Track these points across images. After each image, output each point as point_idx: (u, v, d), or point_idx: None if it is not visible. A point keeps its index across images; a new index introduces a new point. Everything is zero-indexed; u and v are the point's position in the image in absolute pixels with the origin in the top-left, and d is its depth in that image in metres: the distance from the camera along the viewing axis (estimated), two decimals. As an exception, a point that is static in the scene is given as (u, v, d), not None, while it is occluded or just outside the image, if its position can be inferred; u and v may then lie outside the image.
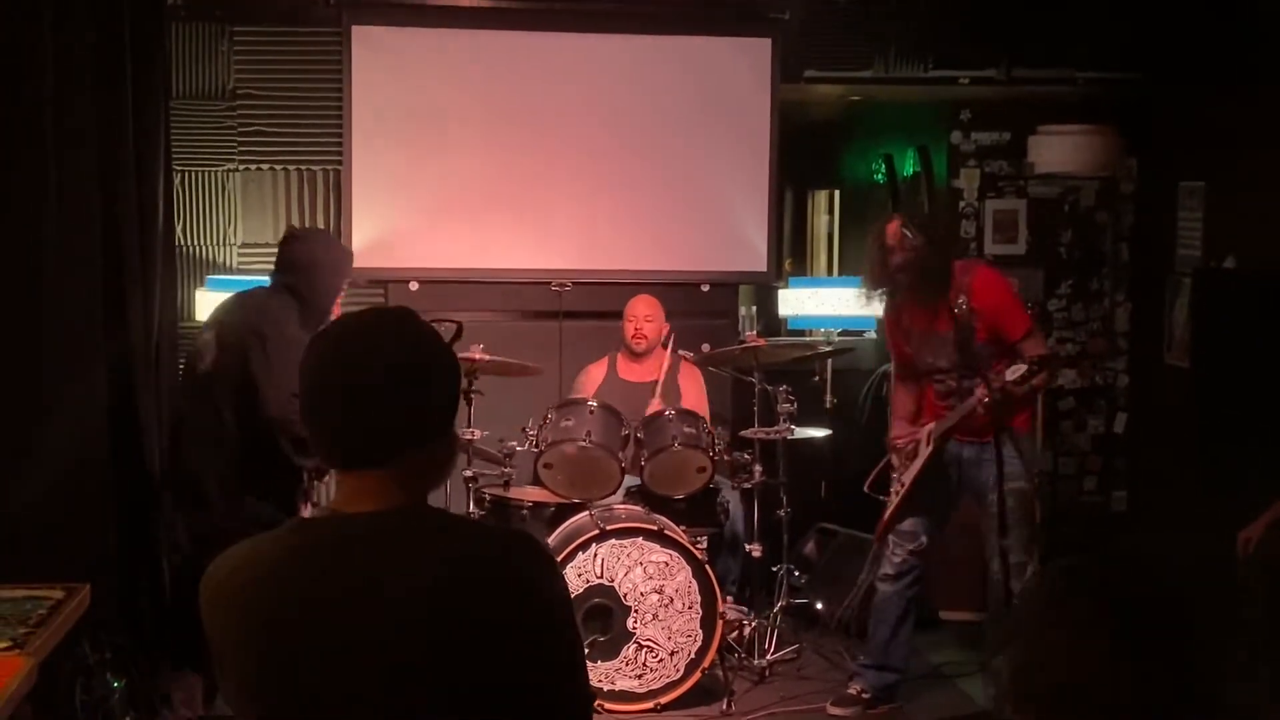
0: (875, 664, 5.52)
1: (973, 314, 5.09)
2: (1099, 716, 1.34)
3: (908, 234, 5.17)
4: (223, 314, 5.13)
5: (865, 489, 5.72)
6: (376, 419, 1.99)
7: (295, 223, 6.81)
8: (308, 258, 5.13)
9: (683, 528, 5.62)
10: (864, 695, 5.48)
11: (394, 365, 2.01)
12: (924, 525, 5.43)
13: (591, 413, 5.74)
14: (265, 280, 5.29)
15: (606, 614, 5.43)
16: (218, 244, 6.85)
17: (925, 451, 5.34)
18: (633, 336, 6.37)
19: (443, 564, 1.97)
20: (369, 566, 1.95)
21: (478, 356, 5.56)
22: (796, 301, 7.32)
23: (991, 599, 5.31)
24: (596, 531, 5.42)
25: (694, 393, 6.45)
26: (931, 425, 5.34)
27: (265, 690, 1.98)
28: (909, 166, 7.79)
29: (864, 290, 5.45)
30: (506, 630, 1.95)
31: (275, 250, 5.34)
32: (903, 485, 5.42)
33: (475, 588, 1.95)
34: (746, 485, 6.00)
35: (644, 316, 6.39)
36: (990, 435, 5.05)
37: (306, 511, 5.09)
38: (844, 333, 7.36)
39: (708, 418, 6.10)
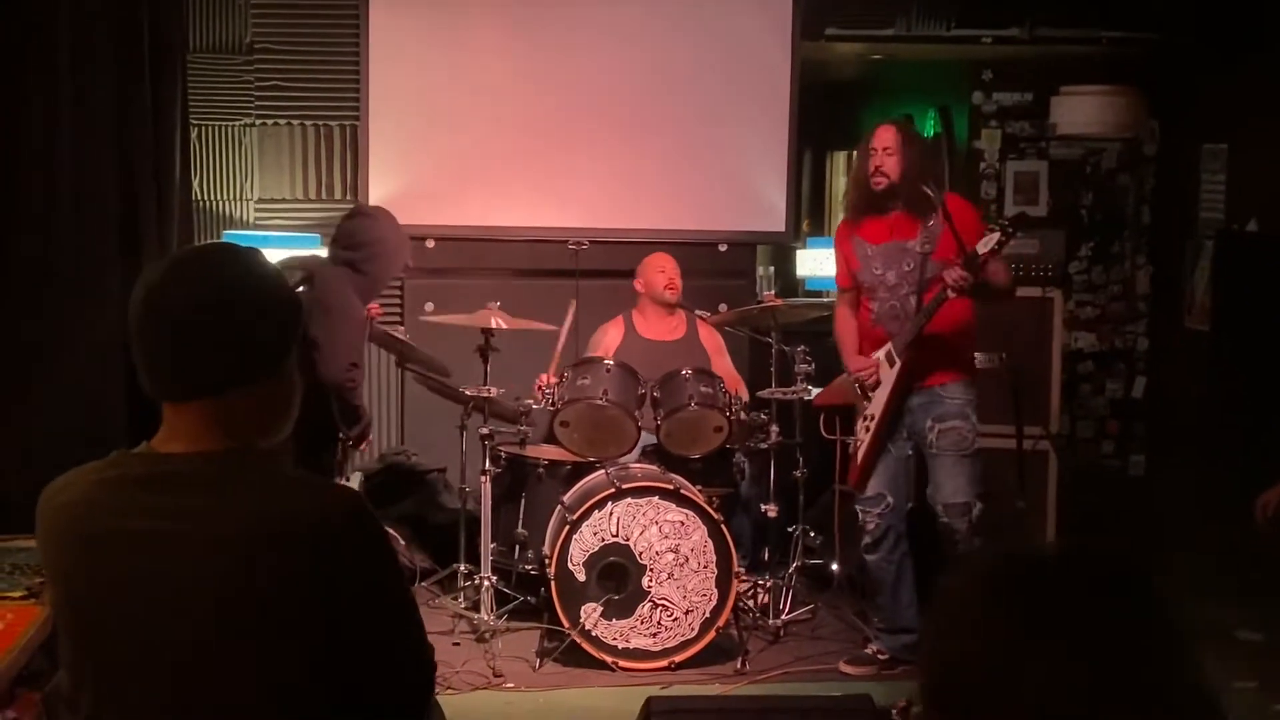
0: (888, 628, 5.52)
1: (938, 228, 5.14)
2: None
3: (903, 135, 5.23)
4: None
5: (823, 433, 5.77)
6: (192, 349, 1.96)
7: (313, 178, 6.81)
8: (375, 235, 5.20)
9: (698, 487, 5.60)
10: (880, 655, 5.48)
11: (213, 296, 1.98)
12: (886, 484, 5.38)
13: (608, 371, 5.72)
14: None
15: (622, 572, 5.43)
16: (235, 199, 6.83)
17: (892, 373, 5.26)
18: (666, 287, 6.32)
19: (249, 515, 1.94)
20: (173, 507, 1.94)
21: (495, 322, 5.55)
22: (814, 262, 7.29)
23: (945, 547, 5.30)
24: (612, 490, 5.42)
25: (719, 353, 6.43)
26: (889, 346, 5.27)
27: (71, 612, 2.00)
28: (930, 127, 7.73)
29: (854, 215, 5.39)
30: (322, 587, 1.92)
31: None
32: (873, 418, 5.35)
33: (282, 541, 1.92)
34: (763, 446, 5.98)
35: (674, 269, 6.36)
36: (932, 380, 5.19)
37: (341, 478, 5.18)
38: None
39: (733, 377, 6.11)
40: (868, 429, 5.38)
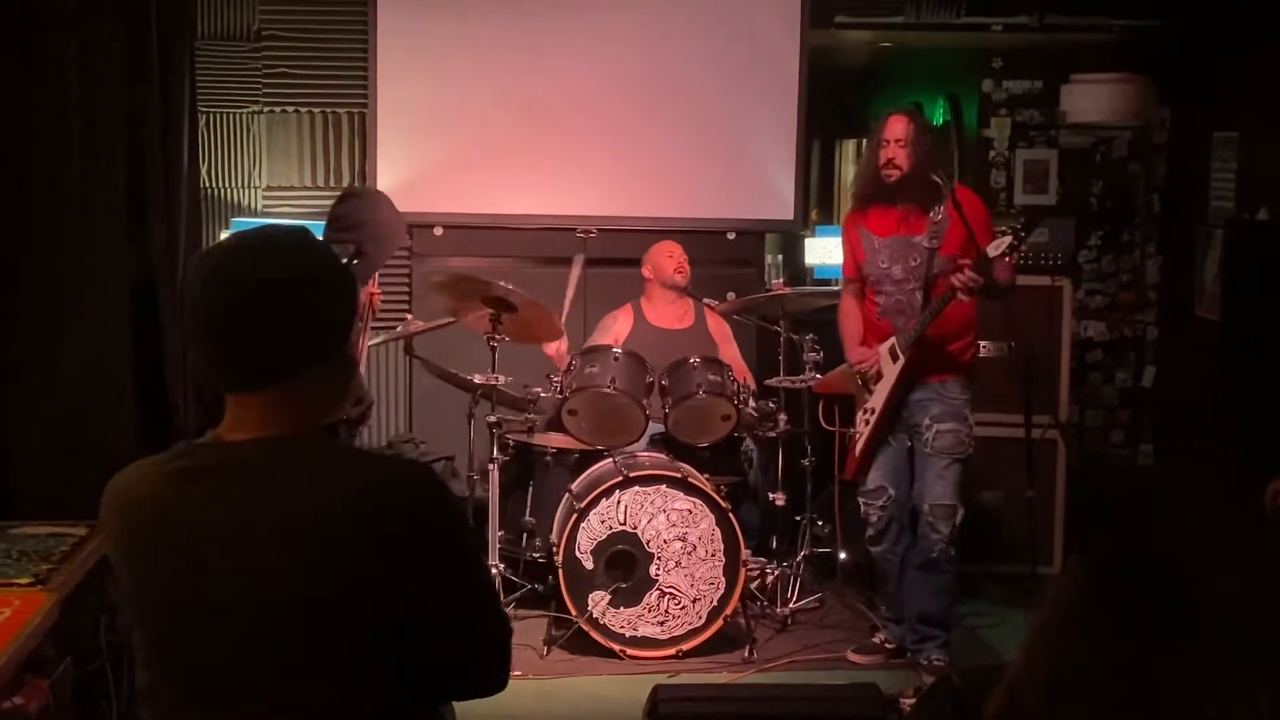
0: (895, 617, 5.52)
1: (946, 223, 5.11)
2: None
3: (915, 125, 5.18)
4: None
5: (822, 423, 5.76)
6: (262, 334, 1.96)
7: (321, 165, 6.81)
8: (369, 217, 5.17)
9: (706, 476, 5.60)
10: (888, 645, 5.48)
11: (281, 279, 1.97)
12: (887, 476, 5.34)
13: (616, 359, 5.71)
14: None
15: (629, 561, 5.43)
16: (243, 186, 6.83)
17: (895, 367, 5.22)
18: (675, 270, 6.31)
19: (327, 496, 1.94)
20: (245, 494, 1.94)
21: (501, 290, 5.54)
22: (823, 250, 7.27)
23: (921, 545, 5.26)
24: (620, 478, 5.41)
25: (727, 341, 6.42)
26: (892, 340, 5.24)
27: (150, 605, 2.00)
28: (939, 115, 7.71)
29: (862, 204, 5.35)
30: (400, 559, 1.93)
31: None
32: (873, 411, 5.31)
33: (362, 518, 1.93)
34: (771, 434, 5.97)
35: (681, 254, 6.36)
36: (933, 377, 5.16)
37: None
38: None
39: (741, 366, 6.11)
40: (867, 421, 5.35)
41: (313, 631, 1.92)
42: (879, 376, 5.29)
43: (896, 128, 5.17)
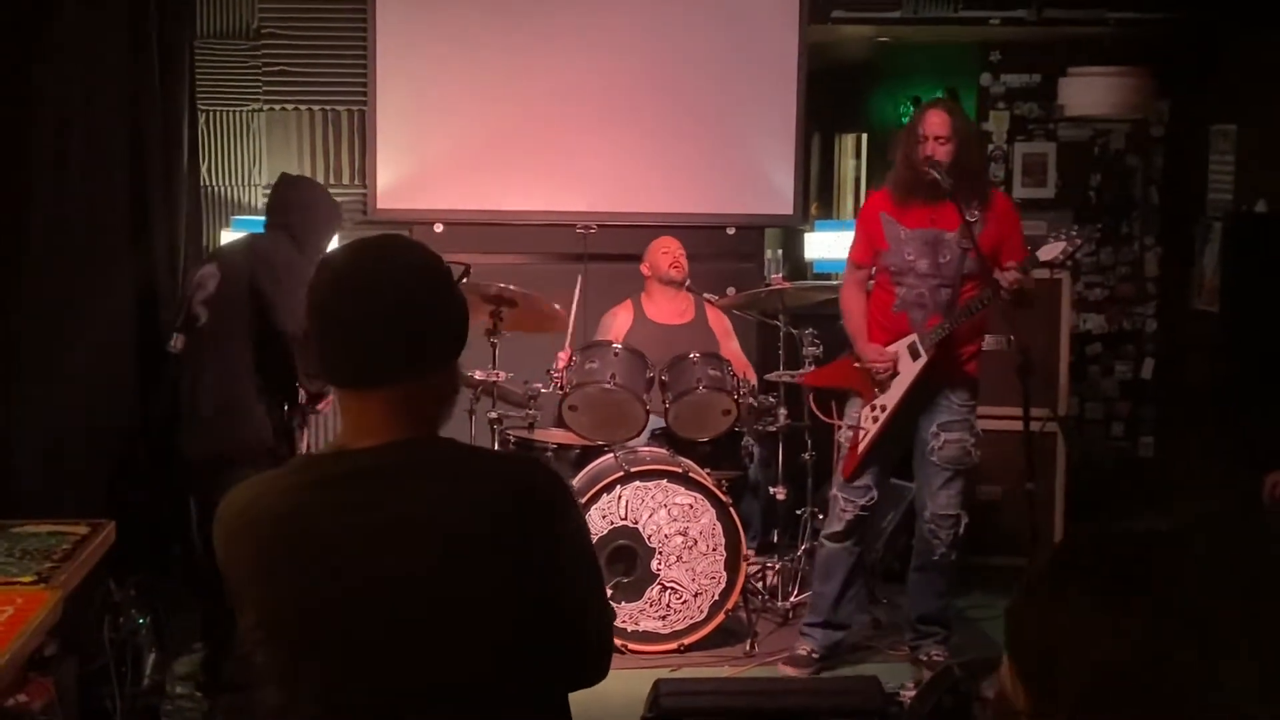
0: (823, 622, 5.39)
1: (980, 226, 5.02)
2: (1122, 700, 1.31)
3: (955, 120, 5.02)
4: (224, 247, 5.21)
5: (817, 414, 5.66)
6: (397, 334, 1.98)
7: (320, 163, 6.82)
8: (304, 199, 5.21)
9: (707, 470, 5.61)
10: (814, 655, 5.35)
11: (408, 287, 2.01)
12: (875, 476, 5.27)
13: (616, 355, 5.72)
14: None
15: (631, 556, 5.44)
16: (242, 185, 6.84)
17: (915, 365, 5.10)
18: (671, 265, 6.33)
19: (462, 493, 1.97)
20: (381, 499, 1.96)
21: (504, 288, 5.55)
22: (822, 245, 7.28)
23: (922, 548, 5.23)
24: (621, 473, 5.43)
25: (727, 336, 6.43)
26: (913, 337, 5.10)
27: (291, 620, 1.98)
28: (937, 109, 7.71)
29: (897, 191, 5.14)
30: (534, 555, 1.96)
31: (270, 190, 5.37)
32: (883, 409, 5.18)
33: (505, 516, 1.96)
34: (771, 428, 5.98)
35: (678, 249, 6.38)
36: (943, 381, 5.10)
37: (302, 439, 5.17)
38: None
39: (741, 361, 6.12)
40: (876, 419, 5.22)
41: (463, 627, 1.94)
42: (895, 373, 5.16)
43: (937, 123, 4.99)
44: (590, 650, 2.13)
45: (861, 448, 5.24)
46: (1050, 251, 4.89)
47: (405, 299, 1.99)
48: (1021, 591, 1.40)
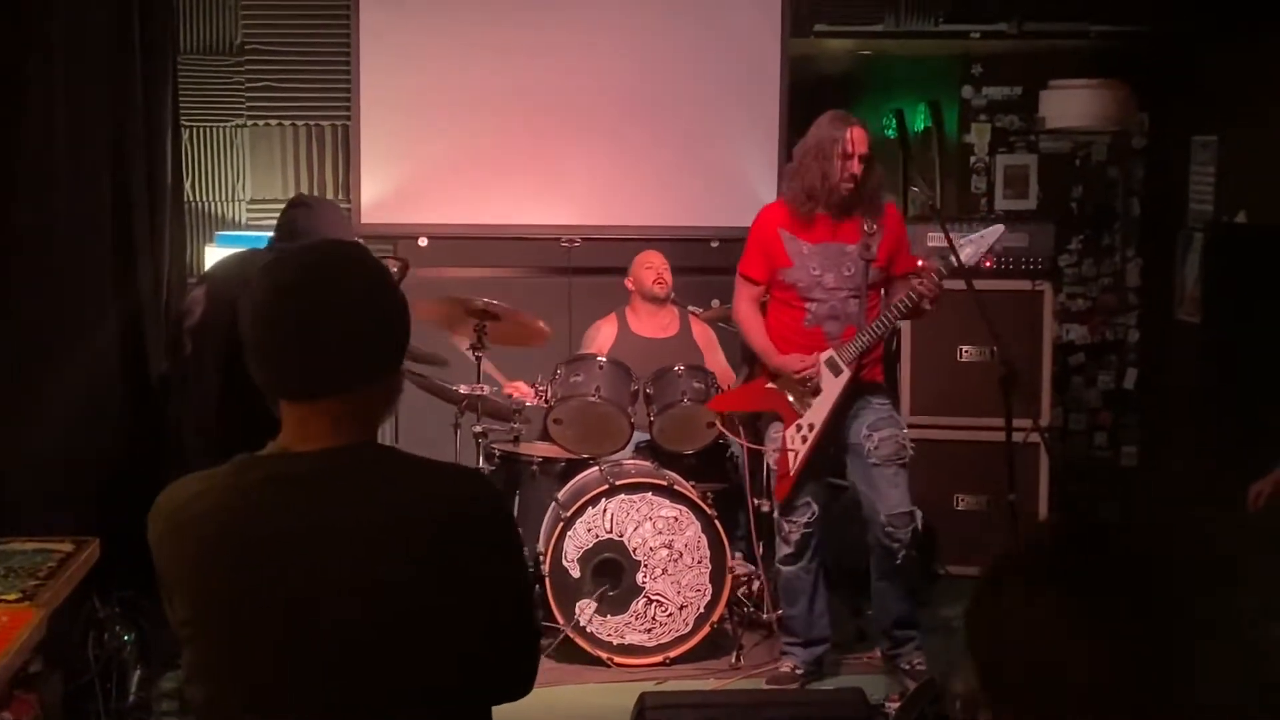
0: (802, 642, 5.34)
1: (879, 237, 5.07)
2: (1077, 698, 1.33)
3: (869, 140, 5.07)
4: (216, 269, 5.15)
5: (738, 440, 5.47)
6: (337, 345, 1.98)
7: (305, 178, 6.83)
8: (311, 225, 5.14)
9: (692, 483, 5.62)
10: (798, 672, 5.31)
11: (350, 297, 2.00)
12: (812, 491, 5.21)
13: (601, 368, 5.74)
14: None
15: (616, 569, 5.45)
16: (227, 200, 6.85)
17: (838, 381, 5.05)
18: (654, 282, 6.34)
19: (401, 501, 1.98)
20: (322, 503, 1.97)
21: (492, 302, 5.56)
22: (806, 257, 7.30)
23: (882, 554, 5.16)
24: (606, 487, 5.44)
25: (712, 348, 6.45)
26: (830, 352, 5.05)
27: (222, 619, 1.99)
28: (920, 121, 7.74)
29: (802, 206, 5.08)
30: (466, 566, 1.97)
31: (283, 207, 5.34)
32: (811, 428, 5.10)
33: (436, 524, 1.97)
34: (755, 441, 5.98)
35: (662, 264, 6.39)
36: (860, 389, 5.08)
37: None
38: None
39: (726, 373, 6.14)
40: (805, 439, 5.14)
41: (395, 635, 1.95)
42: (816, 391, 5.09)
43: (861, 141, 5.02)
44: (516, 664, 2.14)
45: (795, 470, 5.15)
46: (968, 254, 4.92)
47: (347, 309, 1.99)
48: (974, 596, 1.42)
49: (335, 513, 1.96)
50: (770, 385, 5.23)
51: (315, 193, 6.85)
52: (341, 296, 1.99)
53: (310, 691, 1.96)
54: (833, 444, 5.18)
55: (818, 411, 5.10)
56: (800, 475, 5.15)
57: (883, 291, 5.16)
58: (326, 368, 1.99)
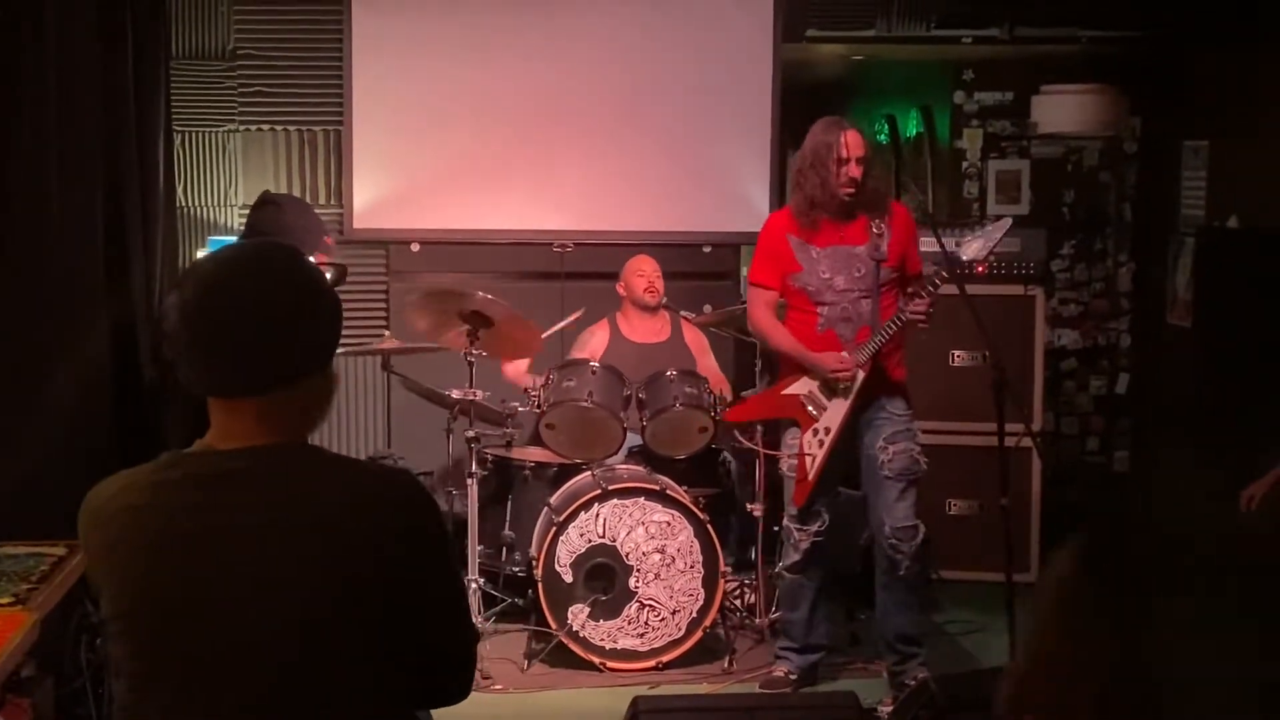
0: (799, 648, 5.36)
1: (887, 236, 5.07)
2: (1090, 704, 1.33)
3: (868, 141, 5.10)
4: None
5: (756, 446, 5.52)
6: (259, 344, 1.99)
7: (297, 183, 6.82)
8: (281, 224, 5.14)
9: (684, 488, 5.62)
10: (791, 677, 5.32)
11: (280, 292, 2.02)
12: (826, 501, 5.23)
13: (593, 373, 5.74)
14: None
15: (609, 573, 5.45)
16: (219, 205, 6.84)
17: (854, 383, 5.08)
18: (645, 290, 6.33)
19: (322, 501, 1.98)
20: (238, 501, 1.97)
21: (485, 305, 5.55)
22: (798, 262, 7.31)
23: (887, 567, 5.16)
24: (599, 491, 5.44)
25: (704, 353, 6.45)
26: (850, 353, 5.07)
27: (145, 615, 2.00)
28: (912, 127, 7.76)
29: (806, 215, 5.10)
30: (394, 567, 1.97)
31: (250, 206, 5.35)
32: (827, 431, 5.12)
33: (360, 523, 1.97)
34: (748, 445, 5.98)
35: (654, 271, 6.38)
36: (882, 394, 5.09)
37: None
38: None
39: (718, 378, 6.14)
40: (821, 443, 5.15)
41: (314, 636, 1.95)
42: (847, 392, 5.10)
43: (857, 145, 5.04)
44: (449, 666, 2.13)
45: (813, 474, 5.16)
46: (976, 248, 4.93)
47: (273, 310, 2.00)
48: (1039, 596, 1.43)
49: (251, 511, 1.96)
50: (785, 392, 5.23)
51: (307, 199, 6.84)
52: (263, 296, 2.00)
53: (226, 692, 1.96)
54: (848, 451, 5.18)
55: (834, 415, 5.12)
56: (817, 483, 5.15)
57: (898, 290, 5.13)
58: (245, 366, 2.00)
